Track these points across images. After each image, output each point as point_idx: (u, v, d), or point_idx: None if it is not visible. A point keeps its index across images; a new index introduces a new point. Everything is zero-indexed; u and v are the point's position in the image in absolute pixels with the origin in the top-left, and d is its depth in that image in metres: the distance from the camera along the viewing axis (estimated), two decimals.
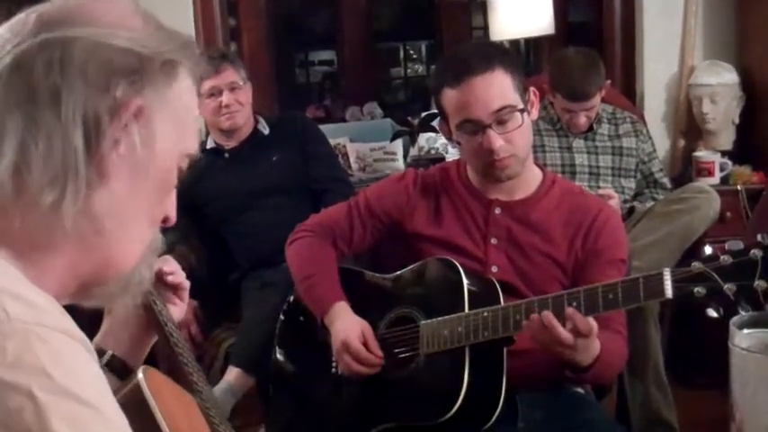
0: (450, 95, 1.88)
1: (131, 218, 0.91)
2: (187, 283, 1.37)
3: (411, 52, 8.85)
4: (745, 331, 1.38)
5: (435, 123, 3.94)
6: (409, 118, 4.88)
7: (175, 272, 1.35)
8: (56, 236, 0.85)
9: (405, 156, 4.26)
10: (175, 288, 1.36)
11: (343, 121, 5.54)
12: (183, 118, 0.94)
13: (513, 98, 1.86)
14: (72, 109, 0.83)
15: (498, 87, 1.85)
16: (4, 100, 0.84)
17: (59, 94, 0.83)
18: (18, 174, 0.82)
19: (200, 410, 1.19)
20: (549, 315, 1.64)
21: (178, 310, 1.36)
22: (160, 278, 1.33)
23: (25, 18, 0.88)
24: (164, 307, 1.31)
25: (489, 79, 1.84)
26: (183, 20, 3.61)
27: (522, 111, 1.87)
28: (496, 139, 1.85)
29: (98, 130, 0.85)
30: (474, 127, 1.87)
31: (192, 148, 0.97)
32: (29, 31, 0.85)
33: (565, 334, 1.62)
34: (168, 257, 1.35)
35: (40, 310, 0.78)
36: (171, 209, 0.98)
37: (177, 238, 3.25)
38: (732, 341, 1.37)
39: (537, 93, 1.97)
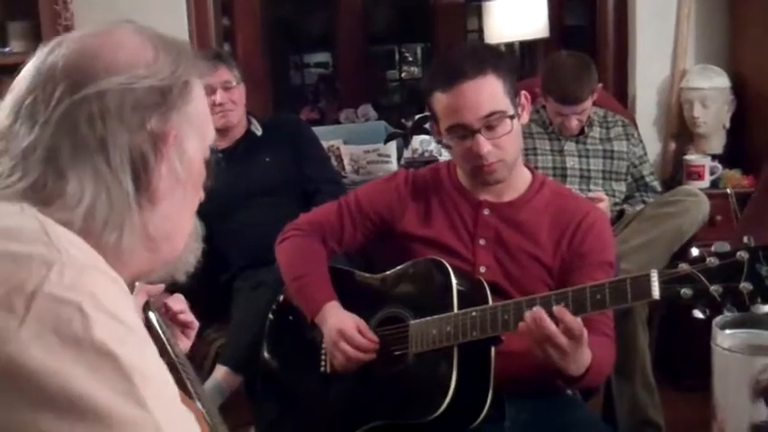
0: (440, 99, 1.89)
1: (179, 219, 1.06)
2: (196, 323, 1.46)
3: (406, 55, 8.86)
4: (728, 331, 1.39)
5: (428, 125, 3.95)
6: (403, 120, 4.89)
7: (185, 311, 1.44)
8: (119, 256, 0.97)
9: (399, 158, 4.27)
10: (184, 325, 1.44)
11: (338, 123, 5.55)
12: (202, 123, 1.06)
13: (504, 104, 1.87)
14: (119, 154, 0.96)
15: (489, 93, 1.86)
16: (69, 152, 0.95)
17: (106, 143, 0.95)
18: (86, 219, 0.95)
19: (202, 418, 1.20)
20: (539, 311, 1.63)
21: (183, 345, 1.43)
22: (168, 312, 1.42)
23: (51, 74, 0.97)
24: (166, 328, 1.36)
25: (480, 84, 1.85)
26: (177, 20, 3.60)
27: (511, 117, 1.88)
28: (485, 145, 1.87)
29: (146, 168, 0.98)
30: (463, 131, 1.88)
31: (212, 138, 1.10)
32: (65, 90, 0.96)
33: (554, 328, 1.61)
34: (178, 296, 1.44)
35: (96, 259, 0.91)
36: (202, 192, 1.12)
37: None
38: (714, 341, 1.38)
39: (528, 96, 1.98)
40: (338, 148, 4.32)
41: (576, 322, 1.61)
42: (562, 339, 1.61)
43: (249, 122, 3.20)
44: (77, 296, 0.83)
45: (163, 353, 1.31)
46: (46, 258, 0.84)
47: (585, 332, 1.63)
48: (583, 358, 1.68)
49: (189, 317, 1.44)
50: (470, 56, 1.90)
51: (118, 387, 0.81)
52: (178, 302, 1.43)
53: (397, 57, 8.81)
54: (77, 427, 0.78)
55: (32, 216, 0.91)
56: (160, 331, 1.35)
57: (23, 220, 0.90)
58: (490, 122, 1.86)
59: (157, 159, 0.99)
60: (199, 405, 1.18)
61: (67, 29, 3.42)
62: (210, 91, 3.04)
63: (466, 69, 1.85)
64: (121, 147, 0.96)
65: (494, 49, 1.98)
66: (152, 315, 1.37)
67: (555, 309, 1.62)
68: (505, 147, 1.89)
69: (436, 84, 1.90)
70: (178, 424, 0.85)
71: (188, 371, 1.30)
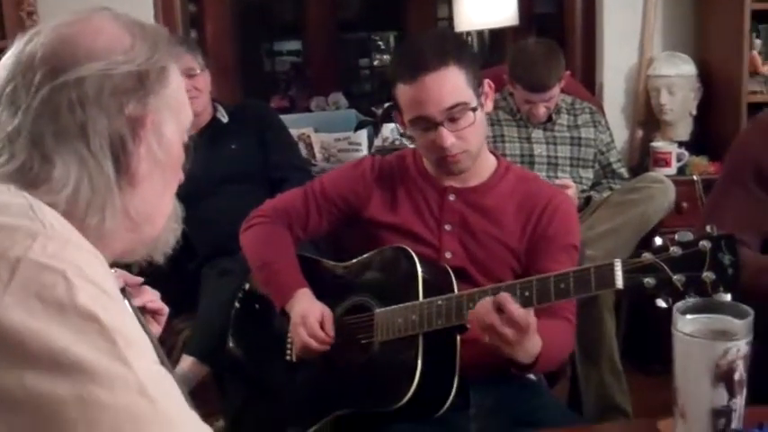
0: (403, 91, 1.88)
1: (159, 201, 1.10)
2: (166, 309, 1.48)
3: (379, 43, 8.85)
4: (689, 317, 1.39)
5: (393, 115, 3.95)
6: (373, 108, 4.88)
7: (154, 300, 1.46)
8: (101, 237, 1.00)
9: (369, 146, 4.26)
10: (154, 312, 1.46)
11: (308, 111, 5.54)
12: (179, 107, 1.10)
13: (467, 95, 1.86)
14: (98, 139, 0.99)
15: (451, 84, 1.84)
16: (53, 137, 0.98)
17: (86, 128, 0.98)
18: (70, 202, 0.98)
19: None
20: (486, 301, 1.64)
21: (154, 330, 1.44)
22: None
23: (30, 62, 1.00)
24: (141, 317, 1.36)
25: (442, 76, 1.84)
26: (142, 6, 3.58)
27: (474, 109, 1.87)
28: (448, 137, 1.86)
29: (125, 151, 1.01)
30: (426, 124, 1.87)
31: (189, 122, 1.14)
32: (44, 76, 0.98)
33: (497, 319, 1.61)
34: (145, 288, 1.46)
35: (79, 238, 0.94)
36: (182, 174, 1.15)
37: None
38: (675, 327, 1.37)
39: (492, 84, 1.97)
40: (309, 136, 4.31)
41: (520, 314, 1.60)
42: (505, 330, 1.61)
43: (215, 110, 3.18)
44: (61, 264, 0.86)
45: None
46: (31, 230, 0.88)
47: (533, 322, 1.63)
48: (530, 347, 1.67)
49: (158, 304, 1.46)
50: (432, 47, 1.87)
51: (101, 346, 0.83)
52: (145, 294, 1.44)
53: (369, 45, 8.80)
54: (61, 382, 0.80)
55: (19, 194, 0.94)
56: (135, 317, 1.36)
57: (11, 196, 0.94)
58: (453, 114, 1.85)
59: (136, 143, 1.02)
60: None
61: (30, 15, 3.38)
62: None
63: (427, 61, 1.84)
64: (101, 132, 0.99)
65: (456, 38, 1.97)
66: (127, 302, 1.37)
67: (500, 300, 1.61)
68: (469, 138, 1.89)
69: (398, 75, 1.89)
70: (159, 385, 0.86)
71: (161, 355, 1.31)
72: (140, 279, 1.44)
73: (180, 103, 1.10)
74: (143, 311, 1.45)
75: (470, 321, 1.68)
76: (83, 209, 0.99)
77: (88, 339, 0.82)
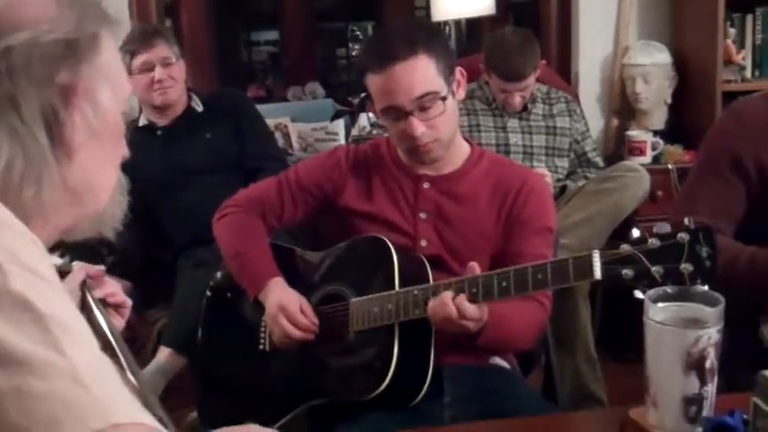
0: (373, 80, 1.88)
1: (100, 172, 1.08)
2: (128, 302, 1.46)
3: (357, 33, 8.84)
4: (660, 305, 1.40)
5: (367, 105, 3.94)
6: (350, 98, 4.87)
7: (115, 293, 1.44)
8: (41, 212, 1.00)
9: (347, 135, 4.25)
10: (116, 305, 1.45)
11: (285, 100, 5.51)
12: (115, 75, 1.07)
13: (437, 84, 1.86)
14: (30, 109, 0.97)
15: (421, 74, 1.84)
16: None
17: (16, 99, 0.96)
18: (4, 175, 0.96)
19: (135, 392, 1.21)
20: (446, 296, 1.70)
21: (117, 323, 1.42)
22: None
23: None
24: (101, 309, 1.35)
25: (412, 65, 1.83)
26: None
27: (443, 98, 1.86)
28: (418, 126, 1.86)
29: (57, 120, 0.99)
30: (397, 113, 1.87)
31: (127, 91, 1.11)
32: None
33: (454, 313, 1.69)
34: (106, 280, 1.44)
35: (13, 219, 0.91)
36: (125, 147, 1.13)
37: None
38: (647, 315, 1.38)
39: (464, 72, 1.97)
40: (286, 126, 4.29)
41: (473, 313, 1.69)
42: (462, 323, 1.70)
43: (189, 99, 3.16)
44: None
45: (99, 331, 1.32)
46: None
47: (481, 311, 1.71)
48: (491, 334, 1.75)
49: (120, 298, 1.44)
50: (401, 36, 1.87)
51: (35, 335, 0.82)
52: (105, 287, 1.43)
53: (348, 35, 8.79)
54: None
55: None
56: (96, 309, 1.35)
57: None
58: (423, 104, 1.85)
59: (69, 111, 1.00)
60: (132, 380, 1.18)
61: None
62: (149, 67, 3.00)
63: (397, 51, 1.83)
64: (32, 102, 0.97)
65: (426, 26, 1.96)
66: (88, 294, 1.36)
67: (457, 300, 1.69)
68: (439, 127, 1.88)
69: (369, 65, 1.88)
70: (95, 371, 0.84)
71: (123, 349, 1.31)
72: (102, 269, 1.43)
73: (115, 71, 1.07)
74: (105, 304, 1.43)
75: (429, 312, 1.74)
76: (17, 182, 0.97)
77: (22, 327, 0.81)
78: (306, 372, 1.92)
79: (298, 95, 5.64)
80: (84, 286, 1.36)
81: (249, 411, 1.98)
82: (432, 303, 1.73)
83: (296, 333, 1.89)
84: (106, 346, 1.33)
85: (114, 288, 1.44)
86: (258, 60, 8.56)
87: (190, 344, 2.49)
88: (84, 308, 1.35)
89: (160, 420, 1.06)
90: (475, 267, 1.73)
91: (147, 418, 0.86)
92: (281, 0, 7.59)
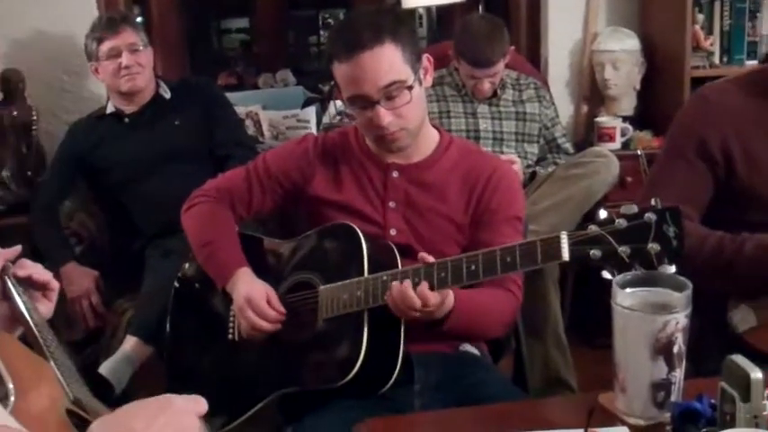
0: (340, 69, 1.86)
1: None
2: (56, 284, 1.43)
3: (329, 20, 8.82)
4: (628, 290, 1.40)
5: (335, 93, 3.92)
6: (320, 85, 4.85)
7: (36, 272, 1.41)
8: None
9: (318, 123, 4.23)
10: (43, 288, 1.42)
11: (256, 88, 5.48)
12: None
13: (404, 72, 1.84)
14: None
15: (387, 62, 1.82)
16: None
17: None
18: None
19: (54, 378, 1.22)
20: (406, 286, 1.70)
21: (45, 308, 1.41)
22: (26, 279, 1.40)
23: None
24: (22, 295, 1.36)
25: (378, 54, 1.81)
26: None
27: (410, 87, 1.85)
28: (385, 115, 1.85)
29: None
30: (363, 102, 1.86)
31: None
32: None
33: (417, 304, 1.70)
34: (24, 261, 1.41)
35: None
36: None
37: (77, 205, 3.19)
38: (615, 300, 1.39)
39: (431, 59, 1.95)
40: (257, 114, 4.26)
41: (436, 299, 1.70)
42: (427, 311, 1.71)
43: (157, 86, 3.13)
44: None
45: (19, 317, 1.35)
46: None
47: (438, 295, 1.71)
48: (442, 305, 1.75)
49: (43, 276, 1.41)
50: (368, 24, 1.84)
51: None
52: (24, 267, 1.41)
53: (320, 22, 8.76)
54: None
55: None
56: (17, 296, 1.37)
57: None
58: (390, 93, 1.84)
59: None
60: (53, 366, 1.19)
61: None
62: (117, 54, 2.97)
63: (363, 39, 1.81)
64: None
65: (392, 13, 1.93)
66: (8, 280, 1.38)
67: (419, 289, 1.69)
68: (407, 115, 1.87)
69: (335, 53, 1.86)
70: None
71: (45, 334, 1.32)
72: (18, 249, 1.40)
73: None
74: (34, 287, 1.41)
75: (389, 303, 1.74)
76: None
77: None
78: (275, 361, 1.91)
79: (269, 83, 5.61)
80: (4, 272, 1.37)
81: (219, 401, 1.95)
82: (392, 295, 1.72)
83: (263, 325, 1.88)
84: (28, 331, 1.33)
85: (36, 267, 1.41)
86: (229, 48, 8.52)
87: (157, 333, 2.48)
88: (6, 295, 1.36)
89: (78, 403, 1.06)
90: (426, 258, 1.73)
91: (12, 423, 0.84)
92: None
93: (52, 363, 1.20)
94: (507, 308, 1.90)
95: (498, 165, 2.03)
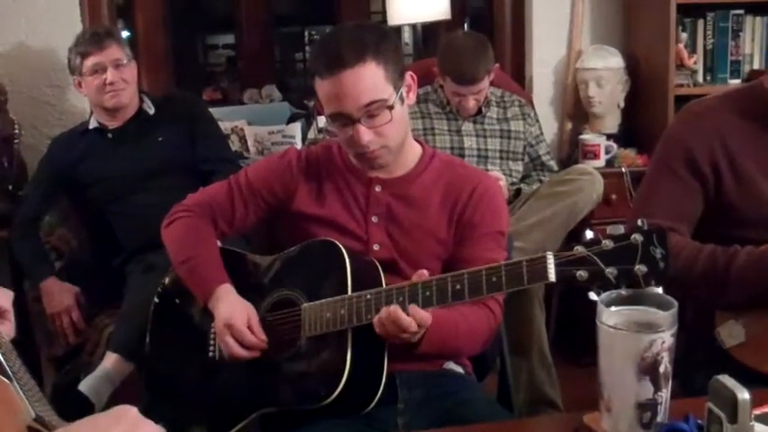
0: (321, 85, 1.84)
1: None
2: (7, 306, 1.42)
3: (315, 36, 8.86)
4: (613, 309, 1.39)
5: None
6: (306, 101, 4.85)
7: None
8: None
9: (303, 139, 4.22)
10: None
11: (242, 103, 5.49)
12: None
13: (386, 91, 1.82)
14: None
15: (369, 81, 1.80)
16: None
17: None
18: None
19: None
20: (395, 310, 1.69)
21: (5, 328, 1.39)
22: None
23: None
24: None
25: (360, 73, 1.79)
26: None
27: (391, 107, 1.83)
28: (366, 134, 1.83)
29: None
30: (344, 120, 1.84)
31: None
32: None
33: (411, 324, 1.68)
34: None
35: None
36: None
37: (58, 219, 3.16)
38: (600, 319, 1.37)
39: (414, 76, 1.94)
40: (242, 129, 4.26)
41: (427, 321, 1.70)
42: (415, 329, 1.70)
43: (141, 101, 3.11)
44: None
45: None
46: None
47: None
48: (430, 340, 1.75)
49: None
50: (351, 41, 1.82)
51: None
52: None
53: (306, 38, 8.79)
54: None
55: None
56: None
57: None
58: (370, 111, 1.82)
59: None
60: (16, 386, 1.17)
61: None
62: (101, 69, 2.96)
63: (345, 57, 1.79)
64: None
65: (376, 29, 1.91)
66: None
67: (410, 311, 1.68)
68: (387, 134, 1.86)
69: (317, 70, 1.84)
70: None
71: (8, 354, 1.28)
72: None
73: None
74: None
75: (375, 325, 1.73)
76: None
77: None
78: (257, 379, 1.88)
79: (254, 98, 5.62)
80: None
81: (199, 419, 1.94)
82: (381, 319, 1.70)
83: (242, 353, 1.86)
84: None
85: None
86: (215, 63, 8.53)
87: (137, 350, 2.45)
88: None
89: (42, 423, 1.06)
90: (424, 274, 1.72)
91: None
92: (238, 3, 7.55)
93: (16, 385, 1.18)
94: (484, 325, 1.87)
95: (482, 179, 2.01)
